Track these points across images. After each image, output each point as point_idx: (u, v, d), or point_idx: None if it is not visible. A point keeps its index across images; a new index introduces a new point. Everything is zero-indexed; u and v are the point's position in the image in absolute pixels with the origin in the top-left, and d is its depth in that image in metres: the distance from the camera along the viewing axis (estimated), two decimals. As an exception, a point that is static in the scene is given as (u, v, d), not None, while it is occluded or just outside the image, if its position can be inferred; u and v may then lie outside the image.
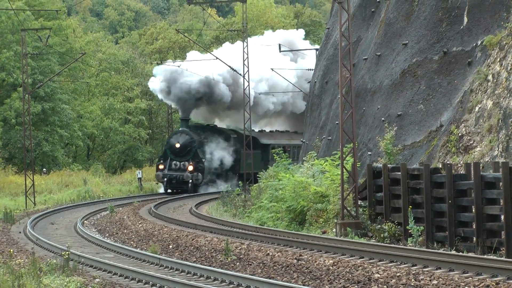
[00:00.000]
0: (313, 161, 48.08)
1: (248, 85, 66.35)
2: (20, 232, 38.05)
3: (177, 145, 64.91)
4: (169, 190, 67.17)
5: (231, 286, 22.76)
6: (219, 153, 69.89)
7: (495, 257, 27.21)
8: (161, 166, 65.03)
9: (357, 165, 39.84)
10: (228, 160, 71.16)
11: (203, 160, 65.73)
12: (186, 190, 63.16)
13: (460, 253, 28.10)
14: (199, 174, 64.44)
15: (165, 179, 65.14)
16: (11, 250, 31.28)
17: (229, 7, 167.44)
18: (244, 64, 65.68)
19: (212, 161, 68.91)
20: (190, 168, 64.07)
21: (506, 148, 35.64)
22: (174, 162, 65.07)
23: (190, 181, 63.09)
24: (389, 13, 49.37)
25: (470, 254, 28.00)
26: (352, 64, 42.26)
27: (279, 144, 73.09)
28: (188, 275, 24.84)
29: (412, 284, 23.42)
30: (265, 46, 79.27)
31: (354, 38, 47.60)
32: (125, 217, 46.01)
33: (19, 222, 41.77)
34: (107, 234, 38.12)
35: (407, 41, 46.05)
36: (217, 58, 68.52)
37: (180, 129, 68.40)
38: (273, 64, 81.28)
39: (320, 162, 45.04)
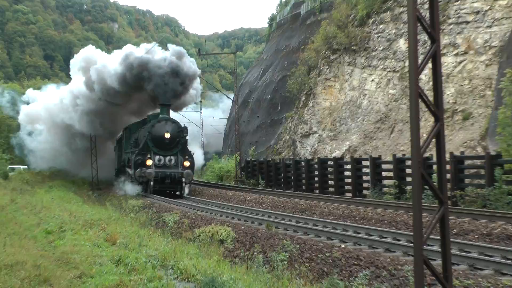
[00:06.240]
0: (226, 158, 49.85)
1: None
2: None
3: (167, 136, 32.95)
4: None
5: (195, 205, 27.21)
6: None
7: (288, 191, 31.57)
8: (149, 162, 32.51)
9: (239, 158, 43.01)
10: None
11: (193, 154, 34.69)
12: (180, 191, 32.89)
13: (278, 190, 32.94)
14: (191, 171, 33.46)
15: (155, 178, 32.70)
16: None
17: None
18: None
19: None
20: (186, 164, 33.02)
21: (293, 154, 40.89)
22: (158, 157, 32.98)
23: (184, 179, 32.47)
24: (252, 105, 54.93)
25: (280, 190, 32.44)
26: (239, 124, 46.12)
27: None
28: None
29: (261, 201, 26.70)
30: None
31: (240, 113, 49.65)
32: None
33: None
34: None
35: (259, 116, 51.02)
36: None
37: (161, 116, 34.55)
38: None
39: (230, 159, 48.00)
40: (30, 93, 61.71)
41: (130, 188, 34.70)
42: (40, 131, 53.95)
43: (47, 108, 51.32)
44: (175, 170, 32.97)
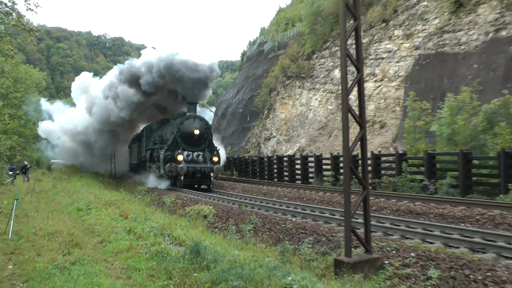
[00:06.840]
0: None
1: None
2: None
3: (196, 132, 25.16)
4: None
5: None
6: None
7: (254, 180, 31.24)
8: (180, 157, 24.32)
9: (223, 157, 35.77)
10: None
11: (219, 149, 26.66)
12: (208, 185, 25.05)
13: (247, 179, 32.37)
14: (220, 166, 25.58)
15: (185, 172, 24.74)
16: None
17: None
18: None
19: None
20: (215, 159, 25.18)
21: (258, 152, 40.39)
22: (187, 152, 24.93)
23: (212, 174, 24.77)
24: (228, 116, 51.84)
25: (249, 179, 31.68)
26: (219, 130, 46.03)
27: None
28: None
29: (234, 187, 26.31)
30: None
31: (220, 123, 49.01)
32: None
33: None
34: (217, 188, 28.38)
35: (233, 124, 49.17)
36: None
37: (188, 114, 26.47)
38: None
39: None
40: (44, 103, 54.81)
41: (160, 182, 27.41)
42: (57, 144, 48.72)
43: (63, 128, 45.49)
44: (204, 164, 25.55)
